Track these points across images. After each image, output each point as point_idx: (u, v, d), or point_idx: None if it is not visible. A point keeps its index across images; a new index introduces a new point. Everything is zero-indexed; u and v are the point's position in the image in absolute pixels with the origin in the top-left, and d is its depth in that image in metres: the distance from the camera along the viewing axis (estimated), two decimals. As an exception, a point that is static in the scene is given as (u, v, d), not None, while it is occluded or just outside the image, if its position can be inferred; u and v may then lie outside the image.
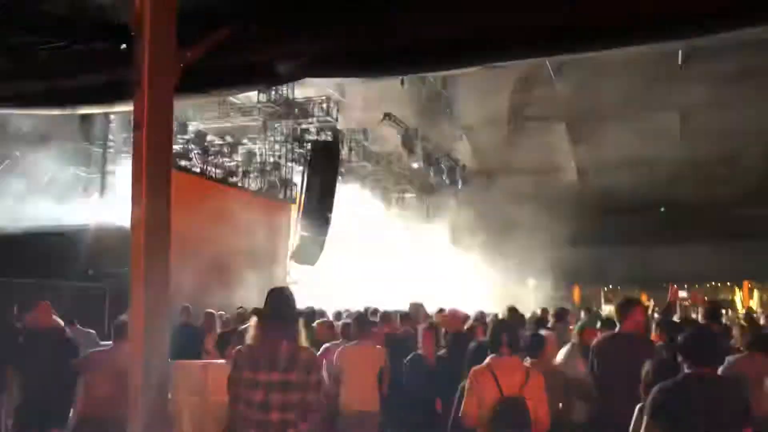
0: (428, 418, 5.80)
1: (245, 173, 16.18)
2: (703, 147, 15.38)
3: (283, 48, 7.81)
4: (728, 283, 22.12)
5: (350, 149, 17.35)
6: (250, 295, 12.84)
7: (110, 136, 14.59)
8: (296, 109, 15.17)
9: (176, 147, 12.72)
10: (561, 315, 8.78)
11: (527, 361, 4.66)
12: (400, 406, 6.09)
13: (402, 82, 11.66)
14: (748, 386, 3.68)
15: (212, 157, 15.44)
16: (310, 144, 16.26)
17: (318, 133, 15.94)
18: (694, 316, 10.71)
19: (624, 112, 14.67)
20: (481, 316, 8.56)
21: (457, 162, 19.88)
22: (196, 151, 14.85)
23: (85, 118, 13.00)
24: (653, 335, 5.54)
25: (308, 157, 16.49)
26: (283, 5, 7.38)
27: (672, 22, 3.95)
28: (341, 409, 5.72)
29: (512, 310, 8.89)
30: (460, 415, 4.03)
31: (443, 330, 7.02)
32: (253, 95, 14.53)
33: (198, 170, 14.61)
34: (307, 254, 16.62)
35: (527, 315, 9.59)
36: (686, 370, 3.24)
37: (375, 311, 8.85)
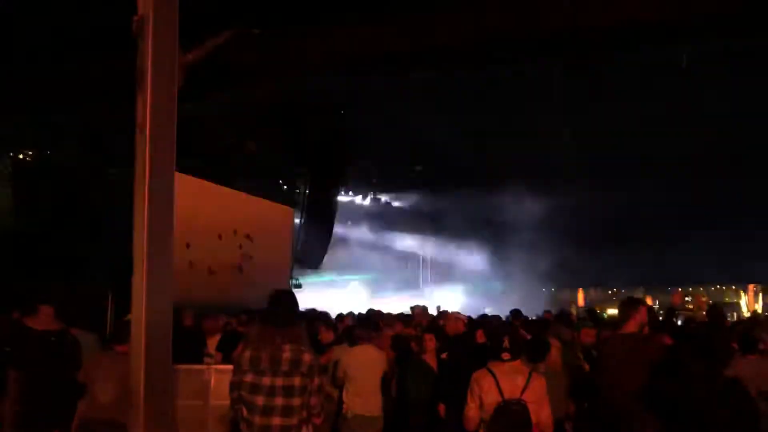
0: (431, 423, 5.77)
1: (248, 176, 16.16)
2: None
3: (285, 50, 7.83)
4: (733, 287, 22.08)
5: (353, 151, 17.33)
6: (253, 297, 12.84)
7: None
8: (299, 111, 15.15)
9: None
10: (563, 317, 8.75)
11: (530, 364, 4.64)
12: (403, 410, 6.07)
13: (405, 85, 11.63)
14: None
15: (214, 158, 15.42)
16: (313, 147, 16.27)
17: (322, 136, 15.92)
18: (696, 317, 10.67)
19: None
20: (483, 319, 8.53)
21: (458, 162, 19.86)
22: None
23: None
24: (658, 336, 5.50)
25: (312, 160, 16.53)
26: (285, 8, 7.42)
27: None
28: (344, 413, 5.69)
29: (516, 313, 8.88)
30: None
31: (445, 333, 6.99)
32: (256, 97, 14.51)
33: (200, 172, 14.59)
34: (311, 257, 16.65)
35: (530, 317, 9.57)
36: (692, 371, 3.22)
37: (379, 313, 8.82)
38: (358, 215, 20.46)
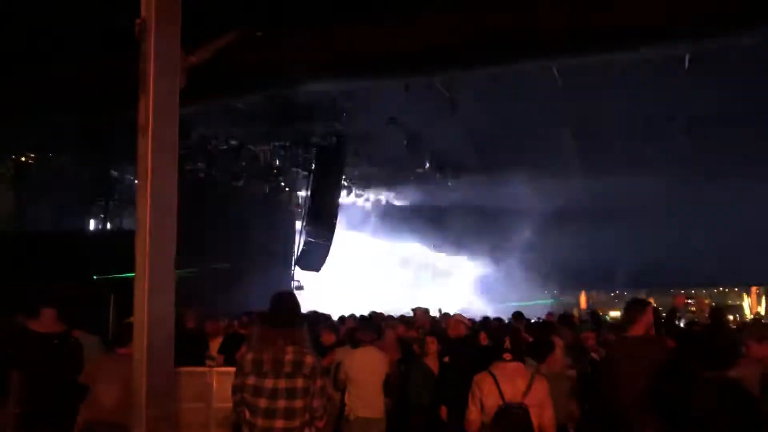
0: (432, 426, 5.76)
1: (250, 178, 16.19)
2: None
3: (288, 52, 7.83)
4: (736, 289, 22.05)
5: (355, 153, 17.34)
6: (255, 300, 12.84)
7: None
8: (301, 113, 15.17)
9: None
10: (566, 319, 8.73)
11: (533, 366, 4.62)
12: (405, 412, 6.06)
13: (406, 87, 11.61)
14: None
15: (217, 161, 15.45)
16: (314, 149, 16.26)
17: (323, 138, 15.93)
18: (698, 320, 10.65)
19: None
20: (485, 322, 8.53)
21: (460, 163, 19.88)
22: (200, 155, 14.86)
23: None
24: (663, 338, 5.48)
25: (313, 162, 16.52)
26: (288, 10, 7.42)
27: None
28: (346, 415, 5.68)
29: (517, 315, 8.87)
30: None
31: (447, 336, 6.99)
32: (257, 98, 14.52)
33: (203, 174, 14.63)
34: (312, 260, 16.64)
35: (532, 320, 9.55)
36: (692, 372, 3.22)
37: (380, 315, 8.82)
38: (359, 217, 20.48)
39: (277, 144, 16.25)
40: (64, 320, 5.26)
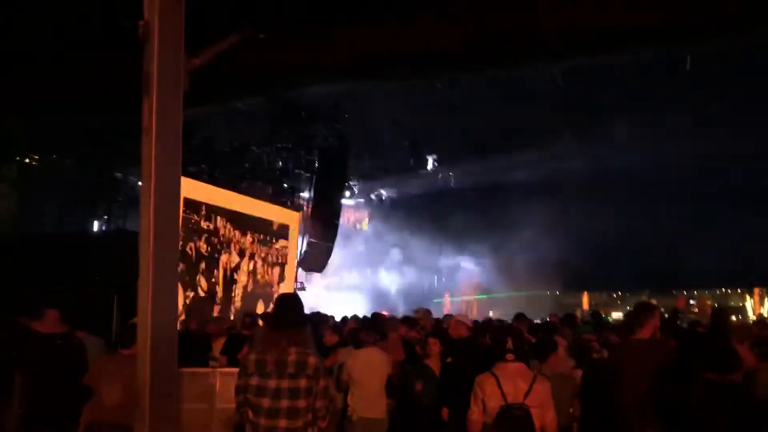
0: (434, 427, 5.75)
1: (252, 180, 16.21)
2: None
3: (291, 54, 7.85)
4: (739, 290, 21.98)
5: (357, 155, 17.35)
6: (258, 301, 12.86)
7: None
8: (303, 115, 15.21)
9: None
10: (568, 320, 8.73)
11: (535, 366, 4.62)
12: (406, 414, 6.05)
13: (408, 87, 11.63)
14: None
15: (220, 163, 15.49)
16: (317, 151, 16.29)
17: (325, 140, 15.95)
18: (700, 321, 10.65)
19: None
20: (487, 322, 8.52)
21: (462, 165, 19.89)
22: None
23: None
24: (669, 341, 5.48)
25: (315, 164, 16.54)
26: (291, 13, 7.44)
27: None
28: (349, 416, 5.69)
29: (520, 316, 8.86)
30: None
31: (450, 336, 6.99)
32: (260, 101, 14.56)
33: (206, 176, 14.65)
34: (315, 261, 16.65)
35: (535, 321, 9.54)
36: (692, 372, 3.22)
37: (383, 316, 8.82)
38: (360, 218, 20.48)
39: (280, 146, 16.27)
40: (67, 321, 5.28)
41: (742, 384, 3.64)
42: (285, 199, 16.81)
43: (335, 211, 16.94)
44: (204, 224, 12.24)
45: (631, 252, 18.73)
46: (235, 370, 3.76)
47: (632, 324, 4.71)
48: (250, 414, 3.42)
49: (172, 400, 3.60)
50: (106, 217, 15.77)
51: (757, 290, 21.18)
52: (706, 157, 15.04)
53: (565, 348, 5.48)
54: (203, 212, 12.21)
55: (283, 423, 3.35)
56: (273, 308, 3.64)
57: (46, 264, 10.01)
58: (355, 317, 9.57)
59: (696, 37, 7.52)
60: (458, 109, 13.22)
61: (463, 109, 13.30)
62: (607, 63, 10.02)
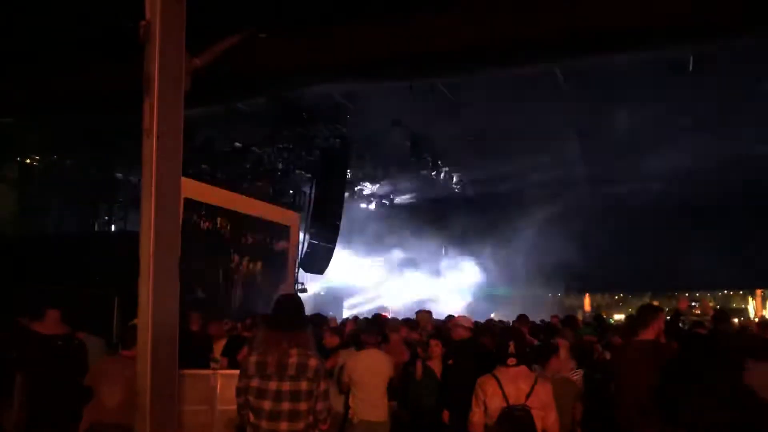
0: (435, 429, 5.74)
1: (253, 180, 16.20)
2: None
3: (292, 55, 7.85)
4: (741, 292, 21.94)
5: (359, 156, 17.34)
6: (258, 302, 12.84)
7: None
8: (305, 116, 15.20)
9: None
10: (569, 322, 8.73)
11: (537, 369, 4.61)
12: (407, 416, 6.04)
13: (410, 87, 11.61)
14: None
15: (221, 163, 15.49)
16: (318, 151, 16.27)
17: (326, 140, 15.94)
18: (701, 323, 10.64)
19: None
20: (489, 325, 8.50)
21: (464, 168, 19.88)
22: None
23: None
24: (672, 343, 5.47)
25: (317, 165, 16.53)
26: (291, 12, 7.44)
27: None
28: (350, 418, 5.67)
29: (521, 318, 8.85)
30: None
31: (451, 338, 6.97)
32: (261, 101, 14.56)
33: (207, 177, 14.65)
34: (316, 262, 16.64)
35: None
36: (692, 373, 3.21)
37: (384, 318, 8.81)
38: (362, 219, 20.46)
39: (280, 146, 16.26)
40: (67, 322, 5.27)
41: (741, 383, 3.63)
42: (286, 199, 16.79)
43: (336, 212, 16.93)
44: (204, 225, 12.23)
45: (633, 254, 18.71)
46: (236, 371, 3.75)
47: (636, 325, 4.72)
48: (251, 416, 3.40)
49: (173, 401, 3.59)
50: (106, 217, 15.76)
51: (759, 292, 21.14)
52: (707, 157, 15.01)
53: (567, 349, 5.47)
54: (204, 212, 12.20)
55: (284, 426, 3.33)
56: (273, 309, 3.62)
57: (47, 264, 10.01)
58: (354, 318, 9.56)
59: (696, 37, 7.50)
60: (459, 109, 13.20)
61: (464, 109, 13.28)
62: (607, 63, 10.00)
